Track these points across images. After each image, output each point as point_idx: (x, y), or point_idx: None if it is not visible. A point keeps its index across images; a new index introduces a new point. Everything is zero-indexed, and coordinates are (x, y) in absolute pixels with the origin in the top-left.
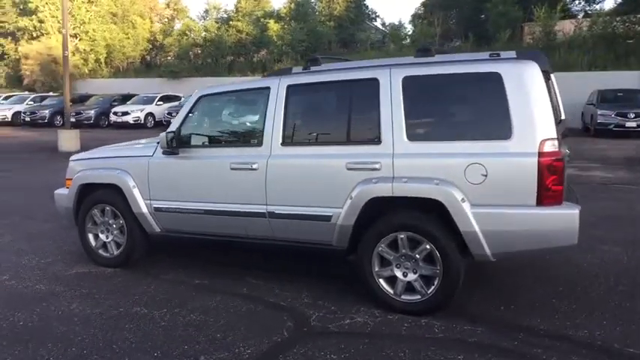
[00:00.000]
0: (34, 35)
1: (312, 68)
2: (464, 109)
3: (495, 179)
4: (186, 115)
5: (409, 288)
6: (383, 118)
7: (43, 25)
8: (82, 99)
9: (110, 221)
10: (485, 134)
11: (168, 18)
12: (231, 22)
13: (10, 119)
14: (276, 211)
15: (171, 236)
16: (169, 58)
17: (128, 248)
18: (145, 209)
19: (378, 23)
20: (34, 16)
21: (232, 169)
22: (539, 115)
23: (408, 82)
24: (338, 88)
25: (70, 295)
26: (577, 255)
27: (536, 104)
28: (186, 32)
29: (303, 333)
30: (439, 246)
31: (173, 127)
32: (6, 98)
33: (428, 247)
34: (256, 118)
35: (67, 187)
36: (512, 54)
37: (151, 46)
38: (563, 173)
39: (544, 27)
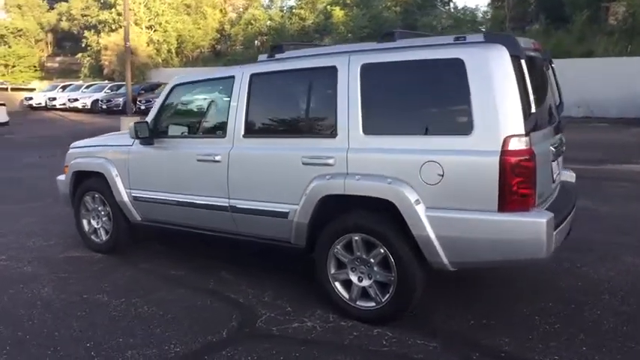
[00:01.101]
0: (113, 27)
1: (277, 56)
2: (423, 100)
3: (453, 180)
4: (162, 105)
5: (365, 294)
6: (339, 109)
7: (120, 17)
8: (153, 87)
9: (99, 208)
10: (443, 129)
11: (242, 8)
12: (294, 10)
13: (89, 107)
14: (238, 205)
15: (152, 226)
16: (236, 47)
17: (114, 235)
18: (125, 198)
19: (451, 7)
20: (113, 10)
21: (198, 160)
22: (504, 107)
23: (367, 70)
24: (298, 77)
25: (48, 279)
26: (590, 264)
27: (500, 95)
28: (252, 22)
29: (241, 334)
30: (393, 251)
31: (149, 117)
32: (87, 87)
33: (382, 251)
34: (222, 108)
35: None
36: (480, 37)
37: (219, 35)
38: (533, 175)
39: (628, 7)
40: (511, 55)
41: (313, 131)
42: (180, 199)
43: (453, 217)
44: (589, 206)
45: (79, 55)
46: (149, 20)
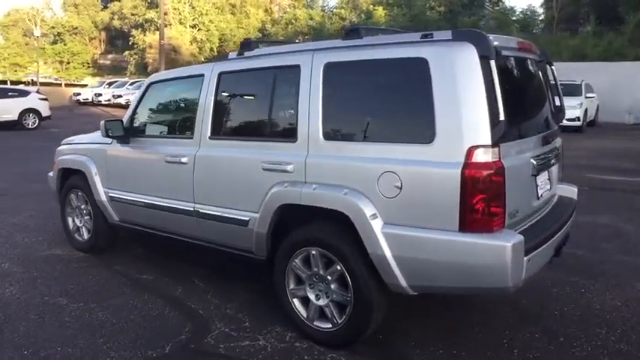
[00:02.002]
0: (157, 26)
1: (246, 54)
2: (385, 104)
3: (411, 193)
4: (138, 103)
5: (323, 314)
6: (300, 111)
7: (165, 16)
8: None
9: (82, 206)
10: (404, 136)
11: (289, 8)
12: (334, 10)
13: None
14: (201, 210)
15: (128, 227)
16: None
17: (94, 235)
18: (103, 197)
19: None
20: (158, 9)
21: (167, 162)
22: (469, 114)
23: (330, 70)
24: (262, 76)
25: (18, 278)
26: (595, 290)
27: (465, 100)
28: (292, 21)
29: (185, 350)
30: (350, 268)
31: (126, 115)
32: (131, 84)
33: (339, 268)
34: (192, 107)
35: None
36: (448, 34)
37: (260, 35)
38: (501, 191)
39: None
40: (480, 56)
41: (275, 135)
42: (151, 202)
43: (410, 236)
44: (614, 222)
45: (127, 52)
46: (193, 19)
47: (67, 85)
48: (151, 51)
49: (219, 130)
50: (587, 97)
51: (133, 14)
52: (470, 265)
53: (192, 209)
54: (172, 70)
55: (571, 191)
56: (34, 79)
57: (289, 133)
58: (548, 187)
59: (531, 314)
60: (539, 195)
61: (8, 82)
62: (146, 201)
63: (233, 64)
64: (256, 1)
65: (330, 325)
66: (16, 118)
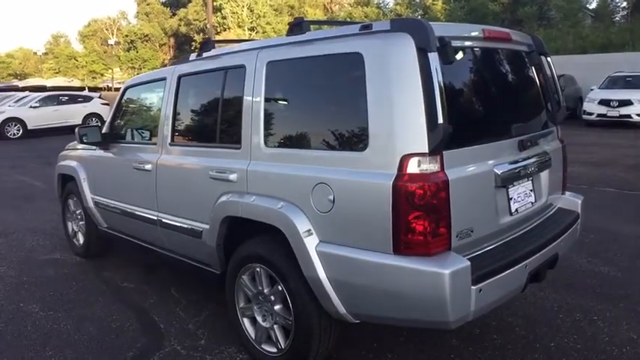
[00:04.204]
0: (218, 30)
1: (205, 54)
2: (323, 106)
3: (344, 208)
4: (115, 107)
5: (269, 337)
6: (244, 115)
7: (225, 20)
8: None
9: (77, 212)
10: (339, 142)
11: (349, 6)
12: (389, 7)
13: None
14: (163, 220)
15: (114, 234)
16: None
17: (87, 240)
18: (90, 203)
19: None
20: (218, 13)
21: (134, 168)
22: (403, 116)
23: (272, 70)
24: (213, 78)
25: (7, 282)
26: (611, 319)
27: (399, 100)
28: (347, 19)
29: None
30: (289, 289)
31: (107, 120)
32: None
33: (280, 288)
34: (156, 112)
35: None
36: (387, 25)
37: None
38: (443, 208)
39: None
40: (418, 48)
41: (223, 141)
42: (124, 208)
43: (344, 257)
44: None
45: None
46: (251, 22)
47: None
48: None
49: (178, 136)
50: None
51: (195, 19)
52: (405, 294)
53: (155, 218)
54: (145, 74)
55: (573, 203)
56: (110, 84)
57: (235, 140)
58: (532, 199)
59: (521, 345)
60: (513, 210)
61: (86, 88)
62: (121, 208)
63: (191, 66)
64: (314, 1)
65: (275, 350)
66: (80, 123)
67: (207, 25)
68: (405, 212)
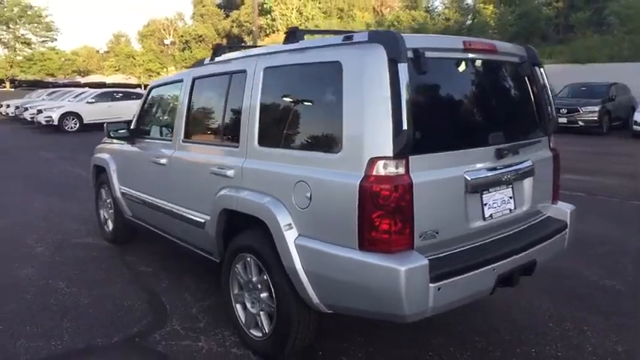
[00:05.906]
0: (267, 32)
1: (217, 59)
2: (307, 110)
3: (319, 205)
4: (142, 105)
5: (257, 322)
6: (243, 116)
7: (274, 22)
8: None
9: (108, 200)
10: (318, 144)
11: (399, 9)
12: (437, 10)
13: None
14: (174, 210)
15: (139, 224)
16: None
17: (114, 227)
18: (118, 193)
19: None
20: (268, 16)
21: (152, 162)
22: (372, 122)
23: (268, 75)
24: (221, 81)
25: (42, 260)
26: (602, 330)
27: (370, 106)
28: (395, 22)
29: (127, 342)
30: (272, 278)
31: (134, 117)
32: None
33: (265, 277)
34: (173, 111)
35: None
36: (365, 36)
37: None
38: (406, 209)
39: None
40: (389, 59)
41: (225, 139)
42: (144, 199)
43: (317, 250)
44: None
45: None
46: (300, 25)
47: None
48: None
49: (190, 134)
50: None
51: (246, 21)
52: (367, 287)
53: (169, 209)
54: (168, 76)
55: (562, 212)
56: None
57: (235, 139)
58: (511, 206)
59: (502, 349)
60: (487, 215)
61: (142, 85)
62: (142, 198)
63: (204, 70)
64: (364, 4)
65: (260, 334)
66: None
67: (254, 28)
68: (370, 211)
